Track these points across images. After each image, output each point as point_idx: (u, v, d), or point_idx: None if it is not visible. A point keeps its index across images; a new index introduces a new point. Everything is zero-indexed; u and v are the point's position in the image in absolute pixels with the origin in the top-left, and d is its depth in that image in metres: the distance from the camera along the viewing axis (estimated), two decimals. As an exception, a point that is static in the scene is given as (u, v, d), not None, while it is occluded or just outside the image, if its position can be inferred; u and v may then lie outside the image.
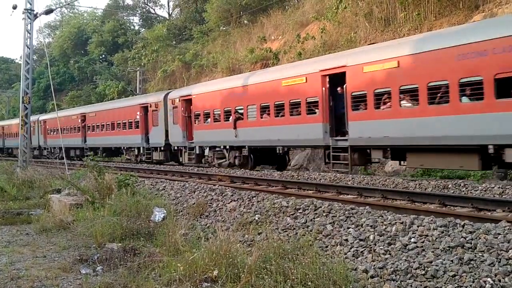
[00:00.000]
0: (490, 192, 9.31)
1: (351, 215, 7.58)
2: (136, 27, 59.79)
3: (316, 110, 14.68)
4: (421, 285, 5.15)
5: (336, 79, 14.18)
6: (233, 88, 18.74)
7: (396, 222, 6.78)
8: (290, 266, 5.25)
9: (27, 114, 21.54)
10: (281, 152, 18.19)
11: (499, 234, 5.77)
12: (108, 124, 28.76)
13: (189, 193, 11.68)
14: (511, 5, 17.04)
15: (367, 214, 7.47)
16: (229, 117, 18.55)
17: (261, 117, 17.00)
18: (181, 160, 22.73)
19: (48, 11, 25.02)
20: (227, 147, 18.95)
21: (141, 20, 60.33)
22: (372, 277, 5.50)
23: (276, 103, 16.23)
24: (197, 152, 20.66)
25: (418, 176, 14.75)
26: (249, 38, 35.43)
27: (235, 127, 18.06)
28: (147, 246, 7.43)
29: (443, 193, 9.40)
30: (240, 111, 18.17)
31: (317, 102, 14.60)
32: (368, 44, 17.03)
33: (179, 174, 16.98)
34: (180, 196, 11.62)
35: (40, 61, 64.90)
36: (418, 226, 6.49)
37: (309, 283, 4.99)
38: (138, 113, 25.18)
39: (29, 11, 20.93)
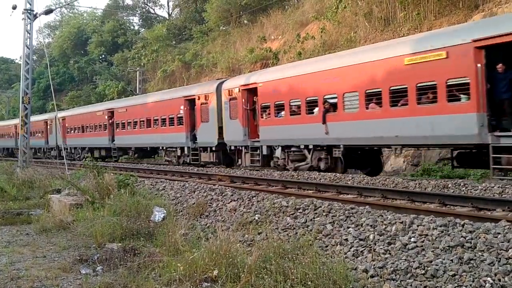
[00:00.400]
0: (490, 191, 9.31)
1: (351, 214, 7.58)
2: (136, 27, 59.92)
3: (464, 96, 11.11)
4: (421, 284, 5.15)
5: (497, 53, 10.79)
6: (320, 72, 14.88)
7: (396, 222, 6.78)
8: (290, 266, 5.25)
9: (27, 114, 21.52)
10: (398, 152, 14.05)
11: (499, 233, 5.77)
12: (143, 121, 25.07)
13: (189, 193, 11.68)
14: (511, 5, 17.04)
15: (367, 213, 7.47)
16: (312, 109, 15.07)
17: (367, 108, 13.29)
18: (239, 163, 18.86)
19: (48, 11, 25.02)
20: (310, 146, 15.35)
21: (141, 20, 60.40)
22: (372, 276, 5.51)
23: (392, 88, 12.49)
24: (264, 152, 17.05)
25: (418, 176, 14.74)
26: (249, 38, 35.44)
27: (324, 122, 14.44)
28: (147, 246, 7.43)
29: (443, 193, 9.40)
30: (331, 100, 14.49)
31: (466, 84, 10.91)
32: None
33: (179, 174, 16.98)
34: (180, 196, 11.62)
35: (40, 61, 64.90)
36: (418, 226, 6.49)
37: (309, 283, 4.99)
38: (182, 107, 21.58)
39: (29, 11, 20.92)
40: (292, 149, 16.04)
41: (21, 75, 21.52)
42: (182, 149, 22.19)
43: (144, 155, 27.49)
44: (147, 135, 24.65)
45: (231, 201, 10.00)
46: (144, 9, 59.31)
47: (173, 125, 22.40)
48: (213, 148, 19.89)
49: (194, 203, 10.39)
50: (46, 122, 37.42)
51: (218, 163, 20.39)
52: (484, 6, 18.78)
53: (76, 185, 12.25)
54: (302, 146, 15.59)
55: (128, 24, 59.00)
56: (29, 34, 21.28)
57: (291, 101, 15.90)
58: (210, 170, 18.55)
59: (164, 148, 23.88)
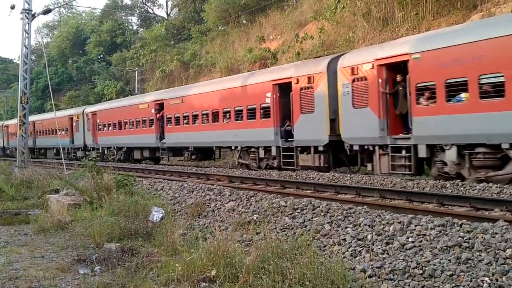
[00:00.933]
0: (488, 191, 9.33)
1: (349, 214, 7.60)
2: (135, 27, 59.93)
3: None
4: (418, 284, 5.15)
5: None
6: None
7: (394, 222, 6.80)
8: (288, 266, 5.25)
9: (25, 114, 21.49)
10: None
11: (496, 233, 5.78)
12: (206, 114, 20.04)
13: (187, 193, 11.68)
14: (509, 5, 17.06)
15: (365, 213, 7.49)
16: None
17: None
18: (370, 168, 13.64)
19: (46, 11, 24.99)
20: None
21: (139, 20, 60.36)
22: (370, 276, 5.51)
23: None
24: (421, 154, 11.94)
25: (416, 176, 14.73)
26: (248, 38, 35.44)
27: None
28: (145, 246, 7.44)
29: (441, 193, 9.41)
30: None
31: None
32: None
33: (177, 174, 16.97)
34: (178, 196, 11.62)
35: (38, 61, 64.85)
36: (416, 226, 6.50)
37: (307, 283, 4.99)
38: (269, 94, 16.46)
39: (27, 11, 20.89)
40: (479, 150, 10.82)
41: (20, 75, 21.49)
42: (266, 149, 17.10)
43: (205, 156, 22.20)
44: (213, 132, 19.52)
45: (229, 201, 10.01)
46: (142, 9, 59.28)
47: (254, 119, 17.33)
48: (321, 148, 14.76)
49: (192, 203, 10.38)
50: (71, 118, 32.88)
51: (327, 168, 14.90)
52: (482, 6, 18.81)
53: (74, 185, 12.25)
54: (506, 146, 10.22)
55: (126, 24, 59.00)
56: (27, 34, 21.25)
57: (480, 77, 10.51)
58: (208, 170, 18.48)
59: (239, 148, 18.50)
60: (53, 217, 9.76)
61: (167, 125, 22.67)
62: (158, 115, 23.39)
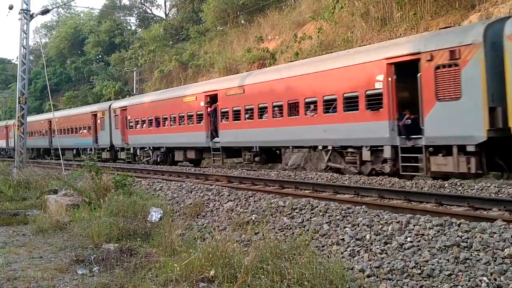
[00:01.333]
0: (486, 191, 9.34)
1: (347, 214, 7.60)
2: (133, 27, 59.90)
3: None
4: (417, 284, 5.16)
5: None
6: None
7: (392, 222, 6.80)
8: (286, 266, 5.25)
9: (24, 115, 21.46)
10: None
11: (494, 233, 5.79)
12: (277, 106, 16.06)
13: (186, 193, 11.67)
14: (507, 5, 17.09)
15: (364, 213, 7.49)
16: None
17: None
18: None
19: (45, 12, 24.91)
20: None
21: (137, 20, 60.32)
22: (368, 276, 5.52)
23: None
24: None
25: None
26: (246, 38, 35.45)
27: None
28: (144, 247, 7.44)
29: (439, 192, 9.42)
30: None
31: None
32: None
33: (176, 174, 16.94)
34: (177, 196, 11.60)
35: (37, 61, 64.77)
36: (414, 225, 6.51)
37: (306, 283, 4.99)
38: (381, 77, 12.67)
39: (25, 11, 20.86)
40: None
41: (18, 75, 21.44)
42: (373, 149, 13.23)
43: (269, 158, 17.98)
44: (288, 129, 15.69)
45: (228, 201, 10.00)
46: (141, 9, 59.25)
47: (355, 110, 13.47)
48: (471, 148, 10.83)
49: (191, 203, 10.38)
50: (95, 115, 29.18)
51: (478, 175, 11.12)
52: (480, 6, 18.83)
53: (73, 186, 12.24)
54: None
55: (125, 24, 59.00)
56: (26, 34, 21.21)
57: None
58: (207, 170, 18.42)
59: (330, 148, 14.45)
60: (51, 218, 9.77)
61: (221, 121, 18.72)
62: (209, 109, 19.56)
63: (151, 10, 59.19)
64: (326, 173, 13.73)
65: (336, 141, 14.15)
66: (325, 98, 14.29)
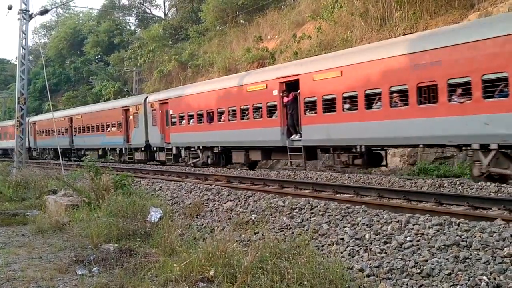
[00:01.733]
0: (486, 190, 9.34)
1: (347, 214, 7.60)
2: (132, 27, 59.96)
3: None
4: (416, 283, 5.16)
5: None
6: None
7: (392, 221, 6.80)
8: (286, 266, 5.25)
9: (23, 115, 21.45)
10: None
11: (494, 232, 5.79)
12: (400, 92, 12.18)
13: (185, 193, 11.66)
14: (506, 4, 17.09)
15: (363, 213, 7.49)
16: None
17: None
18: None
19: (44, 12, 24.89)
20: None
21: (137, 20, 60.38)
22: (368, 276, 5.52)
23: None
24: None
25: (414, 175, 14.76)
26: (245, 38, 35.46)
27: None
28: (143, 247, 7.43)
29: (439, 192, 9.43)
30: None
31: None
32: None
33: (176, 174, 16.94)
34: (177, 196, 11.60)
35: (36, 61, 64.77)
36: (413, 225, 6.51)
37: (305, 283, 4.99)
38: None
39: (24, 11, 20.85)
40: None
41: (17, 75, 21.44)
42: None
43: (371, 161, 14.36)
44: (416, 121, 11.87)
45: (227, 201, 9.99)
46: (140, 9, 59.25)
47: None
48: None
49: (190, 203, 10.37)
50: (127, 110, 25.80)
51: None
52: (479, 5, 18.84)
53: (72, 186, 12.23)
54: None
55: (124, 24, 59.03)
56: (25, 34, 21.21)
57: None
58: (206, 170, 18.40)
59: (494, 147, 10.60)
60: (51, 218, 9.76)
61: (305, 114, 15.13)
62: (286, 99, 15.90)
63: (150, 10, 59.30)
64: (326, 173, 13.72)
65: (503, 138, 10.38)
66: (484, 78, 10.37)
